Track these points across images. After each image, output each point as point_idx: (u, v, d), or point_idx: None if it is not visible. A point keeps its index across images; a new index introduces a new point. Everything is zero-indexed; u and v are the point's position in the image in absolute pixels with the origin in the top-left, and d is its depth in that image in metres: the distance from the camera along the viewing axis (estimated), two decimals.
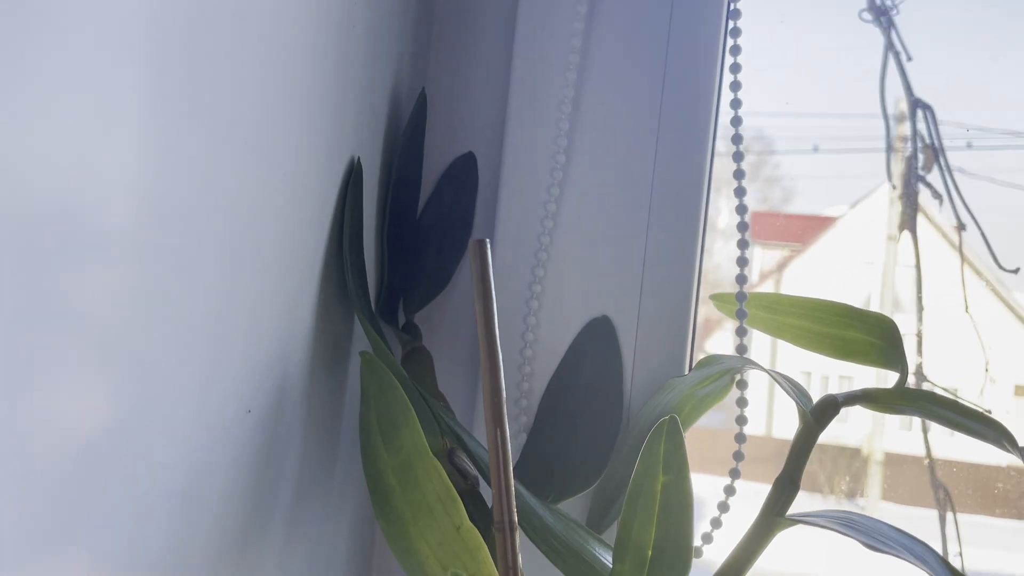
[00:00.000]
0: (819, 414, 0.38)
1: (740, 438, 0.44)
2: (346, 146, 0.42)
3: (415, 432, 0.35)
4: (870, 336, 0.44)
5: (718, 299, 0.47)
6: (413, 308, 0.50)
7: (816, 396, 0.40)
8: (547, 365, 0.47)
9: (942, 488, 0.87)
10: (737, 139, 0.46)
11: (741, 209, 0.45)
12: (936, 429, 0.99)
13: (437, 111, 0.51)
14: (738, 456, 0.44)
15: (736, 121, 0.46)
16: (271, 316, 0.35)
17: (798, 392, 0.39)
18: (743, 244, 0.45)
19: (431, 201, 0.52)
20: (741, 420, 0.44)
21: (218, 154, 0.29)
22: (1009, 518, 0.89)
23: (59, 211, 0.21)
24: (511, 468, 0.30)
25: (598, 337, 0.47)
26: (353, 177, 0.42)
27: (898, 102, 0.89)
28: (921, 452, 1.04)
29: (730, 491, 0.45)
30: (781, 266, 1.28)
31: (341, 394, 0.43)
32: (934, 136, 0.86)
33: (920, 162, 0.90)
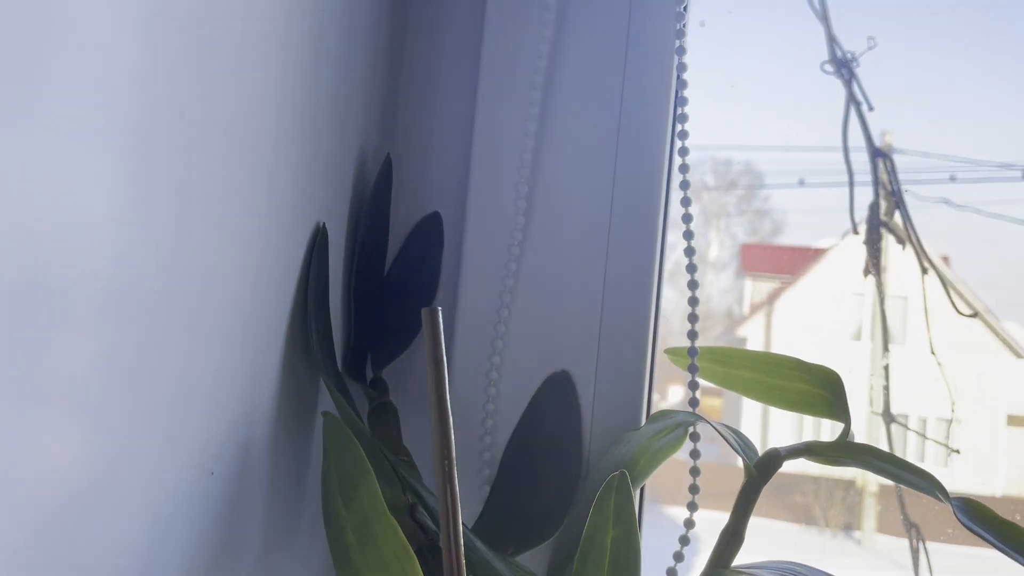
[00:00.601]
0: (763, 468, 0.40)
1: (694, 488, 0.46)
2: (312, 211, 0.44)
3: (373, 490, 0.36)
4: (817, 388, 0.46)
5: (672, 353, 0.49)
6: (381, 364, 0.52)
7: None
8: (510, 419, 0.49)
9: (913, 526, 0.89)
10: (684, 168, 0.48)
11: (689, 251, 0.47)
12: (935, 461, 1.01)
13: (406, 172, 0.54)
14: (692, 506, 0.45)
15: (683, 152, 0.48)
16: (235, 378, 0.36)
17: (743, 446, 0.41)
18: (693, 301, 0.47)
19: (398, 260, 0.53)
20: (694, 471, 0.46)
21: (183, 223, 0.30)
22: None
23: (29, 274, 0.22)
24: (460, 526, 0.32)
25: (557, 391, 0.49)
26: (318, 242, 0.44)
27: (884, 134, 0.92)
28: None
29: (689, 524, 0.46)
30: (772, 298, 1.29)
31: (307, 454, 0.45)
32: (894, 184, 0.89)
33: (882, 208, 0.93)
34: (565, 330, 0.49)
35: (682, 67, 0.47)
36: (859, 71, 0.88)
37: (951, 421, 0.89)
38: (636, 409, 0.48)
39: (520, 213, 0.50)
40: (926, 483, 0.38)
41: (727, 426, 0.43)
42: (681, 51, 0.48)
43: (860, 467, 0.41)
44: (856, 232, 0.96)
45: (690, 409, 0.46)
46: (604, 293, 0.49)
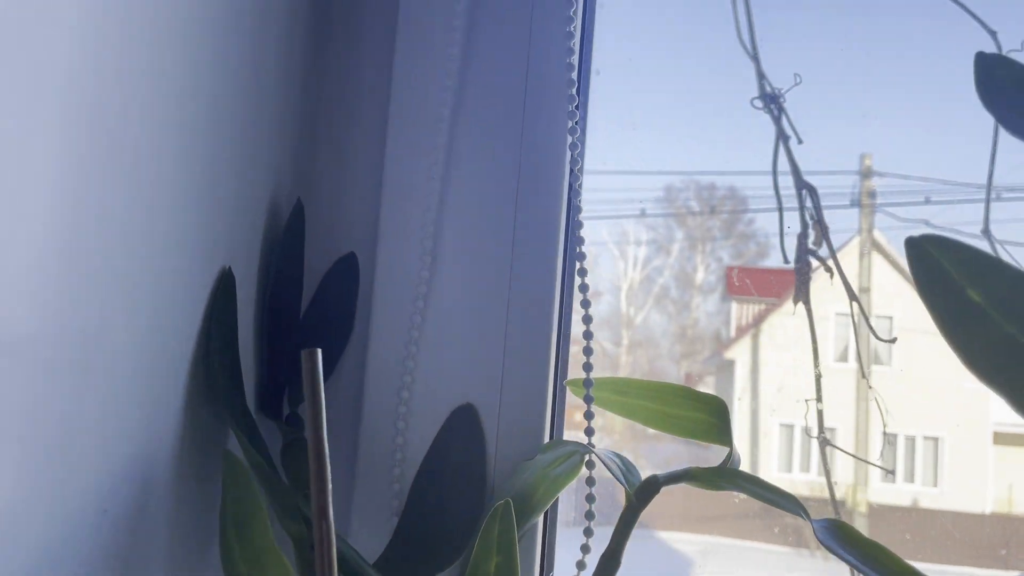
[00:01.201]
0: (641, 494, 0.42)
1: (590, 515, 0.48)
2: (217, 255, 0.46)
3: (263, 525, 0.38)
4: (707, 415, 0.49)
5: (572, 384, 0.51)
6: (298, 400, 0.54)
7: None
8: (419, 451, 0.51)
9: None
10: (575, 193, 0.51)
11: (583, 288, 0.50)
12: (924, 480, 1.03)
13: (323, 214, 0.56)
14: (588, 531, 0.47)
15: (574, 178, 0.51)
16: (129, 419, 0.38)
17: (625, 472, 0.43)
18: (588, 335, 0.49)
19: (315, 299, 0.56)
20: (590, 498, 0.48)
21: (72, 267, 0.32)
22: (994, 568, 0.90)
23: None
24: (335, 560, 0.34)
25: (463, 423, 0.51)
26: (222, 285, 0.46)
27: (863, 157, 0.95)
28: (907, 502, 1.06)
29: (586, 549, 0.48)
30: (758, 320, 1.31)
31: (214, 492, 0.46)
32: (818, 215, 0.92)
33: (811, 238, 0.96)
34: (470, 365, 0.51)
35: (572, 114, 0.50)
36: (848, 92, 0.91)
37: (885, 436, 0.91)
38: (538, 439, 0.50)
39: (427, 253, 0.52)
40: (791, 504, 0.40)
41: (613, 453, 0.45)
42: (572, 99, 0.51)
43: (735, 490, 0.43)
44: (787, 261, 0.99)
45: (586, 437, 0.49)
46: (507, 329, 0.51)
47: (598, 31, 0.57)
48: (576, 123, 0.51)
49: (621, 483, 0.42)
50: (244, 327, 0.50)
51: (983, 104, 0.37)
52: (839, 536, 0.41)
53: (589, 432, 0.49)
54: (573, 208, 0.50)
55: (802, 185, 0.98)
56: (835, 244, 1.05)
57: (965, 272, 0.34)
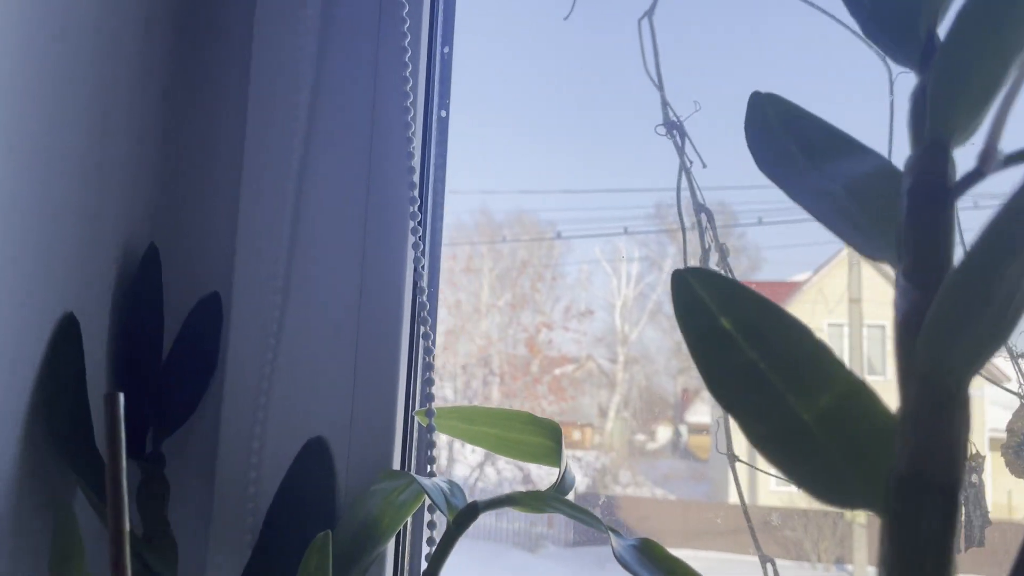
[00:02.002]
0: (459, 519, 0.44)
1: (431, 541, 0.50)
2: (61, 302, 0.48)
3: (80, 565, 0.40)
4: (545, 439, 0.51)
5: (420, 414, 0.53)
6: (162, 437, 0.56)
7: None
8: (273, 483, 0.53)
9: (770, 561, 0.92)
10: (416, 246, 0.53)
11: (424, 321, 0.52)
12: None
13: (187, 255, 0.58)
14: (431, 542, 0.49)
15: (414, 216, 0.53)
16: None
17: (447, 497, 0.45)
18: (428, 367, 0.51)
19: (179, 337, 0.58)
20: (431, 525, 0.50)
21: None
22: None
23: None
24: None
25: (314, 456, 0.53)
26: (64, 331, 0.48)
27: None
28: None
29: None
30: None
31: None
32: (715, 238, 0.95)
33: (714, 260, 0.99)
34: (322, 399, 0.53)
35: (410, 155, 0.53)
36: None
37: None
38: (386, 468, 0.52)
39: (278, 292, 0.54)
40: (594, 521, 0.42)
41: (444, 480, 0.47)
42: (409, 140, 0.53)
43: (552, 512, 0.45)
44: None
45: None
46: (356, 364, 0.53)
47: (490, 62, 0.60)
48: (414, 162, 0.53)
49: (440, 509, 0.44)
50: (97, 371, 0.52)
51: (746, 142, 0.39)
52: (645, 554, 0.43)
53: (430, 460, 0.51)
54: (416, 244, 0.53)
55: (700, 209, 1.01)
56: (828, 256, 1.05)
57: (719, 300, 0.36)
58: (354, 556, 0.50)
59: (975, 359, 0.26)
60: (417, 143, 0.55)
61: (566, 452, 0.50)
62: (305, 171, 0.55)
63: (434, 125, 0.59)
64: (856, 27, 0.38)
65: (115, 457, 0.37)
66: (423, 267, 0.52)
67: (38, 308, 0.46)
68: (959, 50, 0.28)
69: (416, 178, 0.53)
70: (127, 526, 0.37)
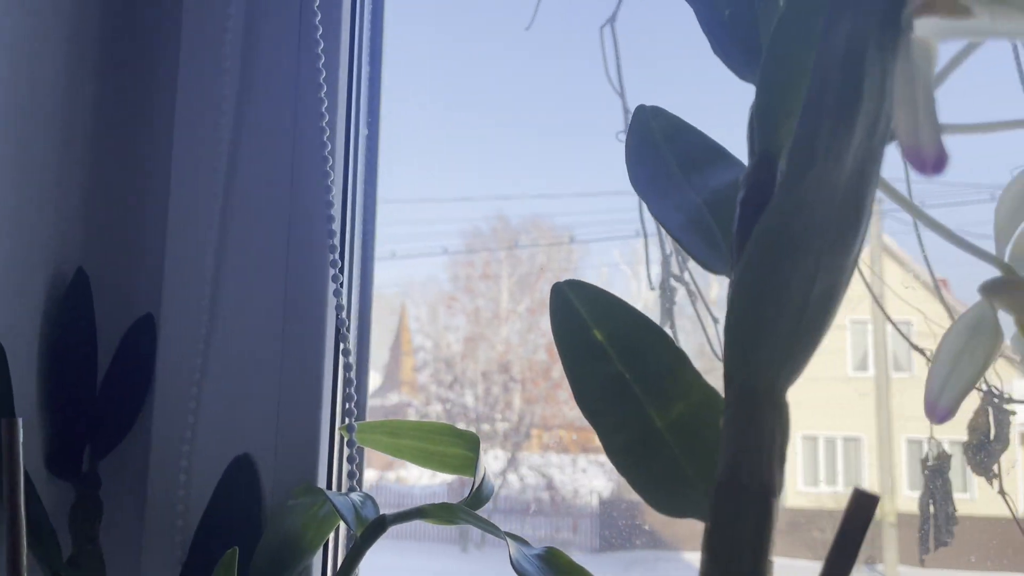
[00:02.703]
0: (367, 533, 0.45)
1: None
2: None
3: None
4: (464, 450, 0.52)
5: (343, 429, 0.54)
6: (99, 457, 0.57)
7: None
8: (202, 500, 0.54)
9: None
10: (335, 263, 0.55)
11: (343, 345, 0.53)
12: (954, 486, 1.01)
13: (118, 278, 0.60)
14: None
15: (333, 248, 0.54)
16: None
17: (358, 510, 0.47)
18: (348, 382, 0.53)
19: (115, 358, 0.59)
20: (351, 538, 0.51)
21: None
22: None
23: None
24: None
25: (240, 472, 0.54)
26: None
27: None
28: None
29: None
30: None
31: None
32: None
33: (676, 265, 1.00)
34: (248, 417, 0.55)
35: (328, 188, 0.54)
36: None
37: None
38: (310, 484, 0.54)
39: (205, 313, 0.56)
40: (495, 531, 0.44)
41: (360, 494, 0.49)
42: (327, 159, 0.54)
43: (462, 524, 0.46)
44: (652, 288, 1.02)
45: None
46: (280, 382, 0.55)
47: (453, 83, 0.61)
48: (331, 181, 0.54)
49: (347, 523, 0.46)
50: (28, 395, 0.53)
51: (625, 157, 0.40)
52: (548, 563, 0.44)
53: (351, 475, 0.52)
54: (335, 262, 0.54)
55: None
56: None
57: (594, 313, 0.37)
58: (278, 570, 0.51)
59: (781, 363, 0.26)
60: (339, 161, 0.57)
61: (483, 463, 0.51)
62: (229, 195, 0.57)
63: (361, 144, 0.60)
64: None
65: (13, 484, 0.39)
66: (342, 284, 0.53)
67: None
68: (774, 67, 0.29)
69: (333, 197, 0.54)
70: (24, 555, 0.38)
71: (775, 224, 0.24)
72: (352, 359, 0.53)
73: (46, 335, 0.55)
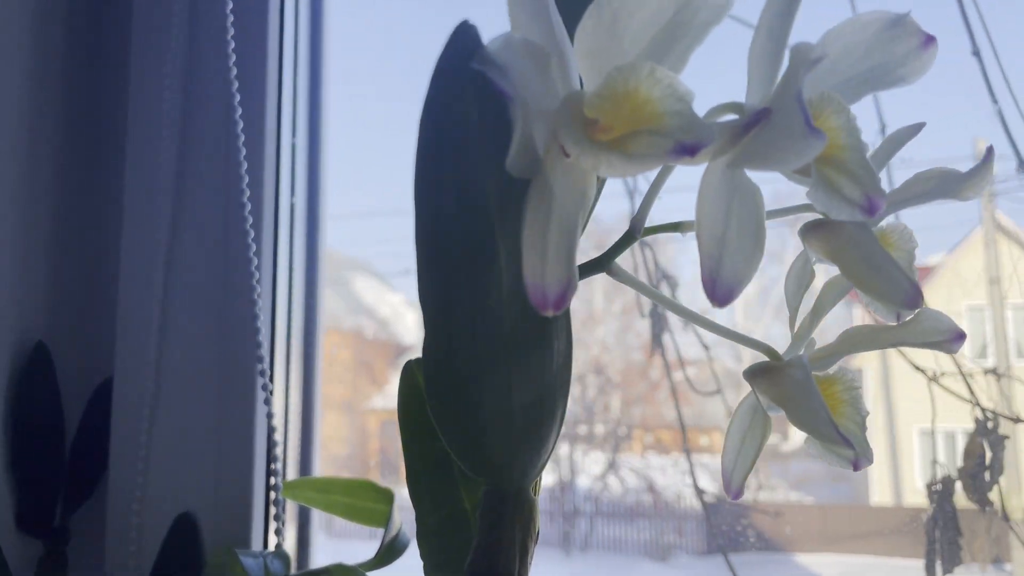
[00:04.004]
0: None
1: None
2: None
3: None
4: (382, 505, 0.56)
5: (286, 486, 0.59)
6: (71, 510, 0.63)
7: None
8: (152, 552, 0.59)
9: None
10: (255, 317, 0.59)
11: (267, 401, 0.58)
12: None
13: (79, 345, 0.66)
14: None
15: (253, 317, 0.58)
16: None
17: (264, 572, 0.51)
18: (272, 443, 0.57)
19: (83, 419, 0.65)
20: None
21: None
22: None
23: None
24: None
25: (183, 530, 0.59)
26: None
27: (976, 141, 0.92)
28: None
29: None
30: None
31: None
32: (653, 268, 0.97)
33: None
34: (189, 478, 0.60)
35: (248, 233, 0.59)
36: None
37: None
38: (246, 542, 0.58)
39: (151, 379, 0.61)
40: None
41: (271, 554, 0.53)
42: (247, 222, 0.59)
43: None
44: (643, 316, 1.03)
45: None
46: (219, 443, 0.60)
47: None
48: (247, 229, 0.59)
49: None
50: None
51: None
52: None
53: (277, 532, 0.56)
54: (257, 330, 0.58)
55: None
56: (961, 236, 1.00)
57: None
58: None
59: (509, 466, 0.29)
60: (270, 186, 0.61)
61: (397, 518, 0.54)
62: (170, 267, 0.62)
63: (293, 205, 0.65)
64: None
65: None
66: (263, 351, 0.58)
67: None
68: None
69: (257, 281, 0.59)
70: None
71: (442, 362, 0.27)
72: (277, 422, 0.57)
73: (11, 405, 0.61)
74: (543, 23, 0.25)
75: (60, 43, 0.66)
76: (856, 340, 0.32)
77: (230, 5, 0.60)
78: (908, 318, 0.31)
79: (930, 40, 0.27)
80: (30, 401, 0.63)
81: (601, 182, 0.31)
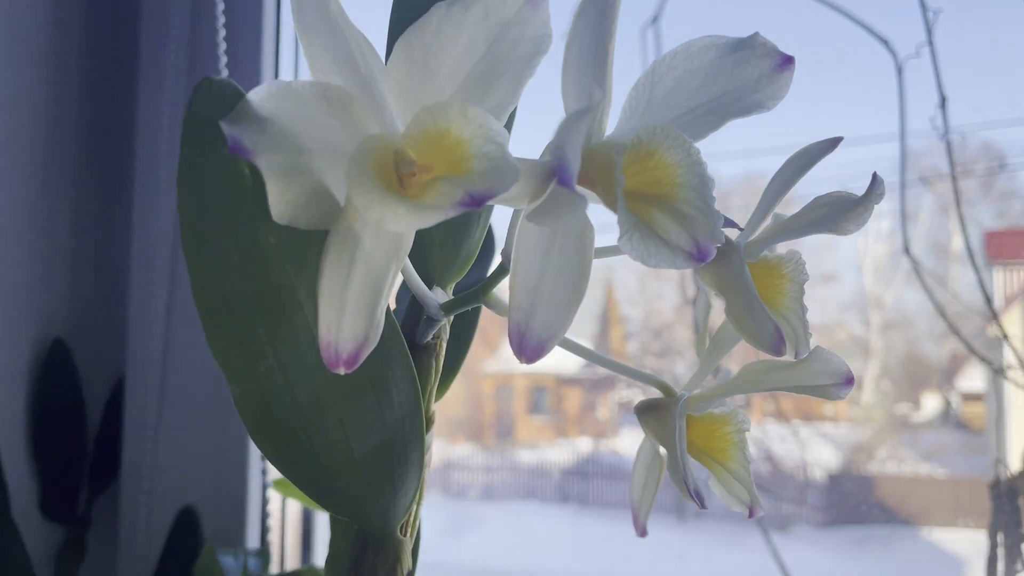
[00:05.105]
0: None
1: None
2: None
3: None
4: None
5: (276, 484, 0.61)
6: (94, 497, 0.68)
7: None
8: (159, 540, 0.62)
9: None
10: None
11: None
12: None
13: (99, 343, 0.69)
14: None
15: None
16: None
17: (242, 573, 0.52)
18: None
19: (105, 412, 0.69)
20: None
21: None
22: None
23: None
24: None
25: (185, 522, 0.62)
26: None
27: None
28: None
29: None
30: None
31: None
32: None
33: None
34: (194, 471, 0.62)
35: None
36: None
37: None
38: (242, 537, 0.60)
39: (159, 378, 0.64)
40: None
41: (244, 551, 0.54)
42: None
43: None
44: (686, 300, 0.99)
45: None
46: (220, 442, 0.62)
47: None
48: None
49: None
50: (16, 451, 0.64)
51: None
52: None
53: (265, 529, 0.58)
54: None
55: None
56: None
57: None
58: None
59: (369, 509, 0.29)
60: None
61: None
62: (175, 269, 0.64)
63: None
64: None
65: None
66: None
67: None
68: None
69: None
70: None
71: (262, 412, 0.26)
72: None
73: (33, 399, 0.65)
74: (346, 64, 0.24)
75: (76, 49, 0.69)
76: (748, 379, 0.30)
77: (221, 6, 0.61)
78: (803, 356, 0.29)
79: (786, 61, 0.25)
80: (50, 395, 0.66)
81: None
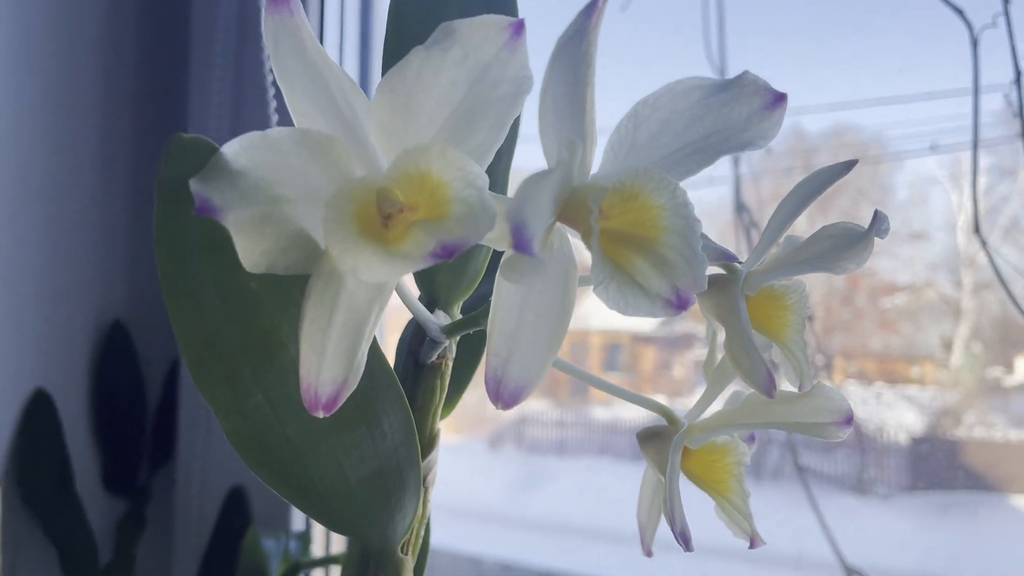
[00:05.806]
0: (287, 573, 0.53)
1: None
2: (29, 381, 0.63)
3: None
4: None
5: None
6: (155, 470, 0.71)
7: None
8: (212, 515, 0.65)
9: None
10: None
11: None
12: None
13: (157, 324, 0.72)
14: None
15: None
16: None
17: (283, 555, 0.55)
18: None
19: (164, 391, 0.72)
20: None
21: None
22: None
23: None
24: None
25: (235, 501, 0.65)
26: (36, 405, 0.63)
27: None
28: None
29: None
30: None
31: None
32: None
33: None
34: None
35: None
36: None
37: None
38: (286, 519, 0.63)
39: None
40: None
41: (286, 535, 0.57)
42: None
43: None
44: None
45: None
46: None
47: None
48: None
49: (272, 563, 0.54)
50: (79, 428, 0.67)
51: None
52: None
53: None
54: None
55: None
56: None
57: None
58: None
59: (369, 529, 0.30)
60: None
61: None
62: None
63: None
64: None
65: None
66: None
67: (11, 386, 0.61)
68: None
69: None
70: None
71: (253, 441, 0.27)
72: None
73: (94, 379, 0.69)
74: (328, 106, 0.24)
75: (131, 42, 0.71)
76: (750, 411, 0.30)
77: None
78: (807, 389, 0.28)
79: (778, 99, 0.24)
80: (111, 375, 0.70)
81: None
